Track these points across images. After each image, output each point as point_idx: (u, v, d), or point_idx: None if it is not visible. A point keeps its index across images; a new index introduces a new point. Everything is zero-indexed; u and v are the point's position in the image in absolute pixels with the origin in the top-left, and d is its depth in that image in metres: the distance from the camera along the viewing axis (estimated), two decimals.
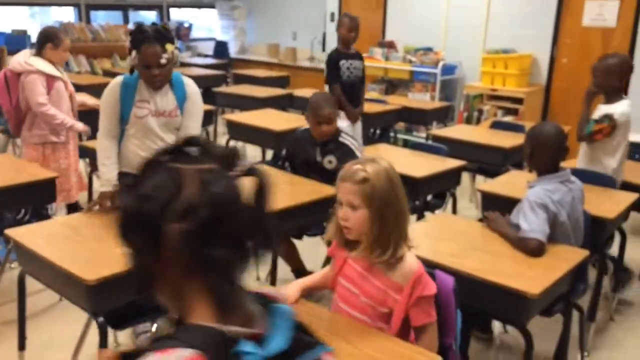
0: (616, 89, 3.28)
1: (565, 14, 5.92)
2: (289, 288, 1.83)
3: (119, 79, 2.67)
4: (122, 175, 2.72)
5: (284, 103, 6.14)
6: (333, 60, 4.46)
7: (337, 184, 1.73)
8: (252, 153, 5.96)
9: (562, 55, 6.03)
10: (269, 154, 5.07)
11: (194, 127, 2.71)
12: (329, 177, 2.95)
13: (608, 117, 3.18)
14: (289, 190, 2.95)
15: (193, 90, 2.73)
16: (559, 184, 2.44)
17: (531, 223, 2.31)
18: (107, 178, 2.62)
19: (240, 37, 9.71)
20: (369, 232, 1.66)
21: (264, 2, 9.53)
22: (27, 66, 3.64)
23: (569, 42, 5.95)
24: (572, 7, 5.86)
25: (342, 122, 4.01)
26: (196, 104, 2.73)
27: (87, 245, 2.26)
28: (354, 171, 1.68)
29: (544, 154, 2.45)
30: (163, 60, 2.52)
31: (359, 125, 4.54)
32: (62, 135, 3.77)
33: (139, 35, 2.51)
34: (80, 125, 3.80)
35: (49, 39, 3.71)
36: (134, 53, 2.52)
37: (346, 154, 2.96)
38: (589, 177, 3.06)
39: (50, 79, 3.68)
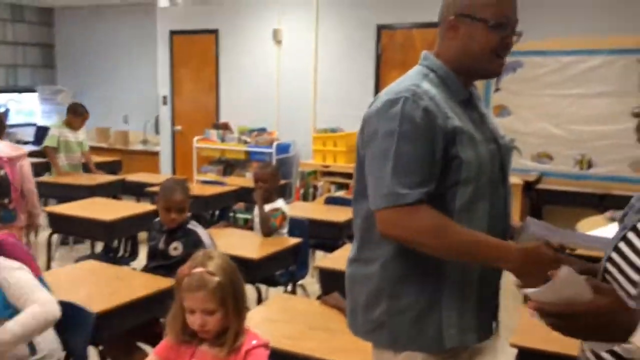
0: None
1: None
2: None
3: None
4: None
5: (116, 190, 5.83)
6: None
7: (183, 294, 1.67)
8: (79, 247, 5.49)
9: None
10: (100, 246, 4.70)
11: None
12: (175, 264, 2.83)
13: None
14: (119, 287, 2.74)
15: None
16: None
17: None
18: None
19: None
20: (226, 327, 1.67)
21: (91, 86, 9.20)
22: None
23: None
24: (386, 85, 6.47)
25: None
26: None
27: None
28: (203, 279, 1.63)
29: None
30: None
31: None
32: None
33: None
34: None
35: None
36: None
37: (194, 242, 2.89)
38: None
39: None
